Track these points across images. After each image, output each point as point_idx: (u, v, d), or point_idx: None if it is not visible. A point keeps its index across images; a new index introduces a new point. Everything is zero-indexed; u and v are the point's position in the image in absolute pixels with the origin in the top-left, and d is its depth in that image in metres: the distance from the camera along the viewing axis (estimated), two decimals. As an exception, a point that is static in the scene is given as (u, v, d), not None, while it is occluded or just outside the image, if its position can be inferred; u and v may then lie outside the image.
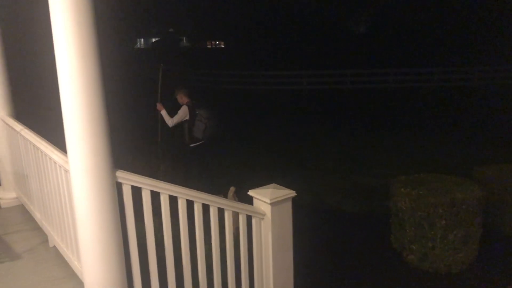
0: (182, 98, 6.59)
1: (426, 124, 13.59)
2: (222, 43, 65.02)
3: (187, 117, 6.45)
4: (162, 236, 2.90)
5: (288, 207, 3.41)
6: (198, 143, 6.47)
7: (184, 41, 70.60)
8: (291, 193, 3.38)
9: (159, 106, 6.56)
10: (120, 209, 2.70)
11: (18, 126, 3.95)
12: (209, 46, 66.75)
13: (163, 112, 6.52)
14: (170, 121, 6.47)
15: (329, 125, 13.72)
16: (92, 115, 2.42)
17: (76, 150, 2.46)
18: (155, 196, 2.83)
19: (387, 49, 35.53)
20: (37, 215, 3.96)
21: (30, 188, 4.01)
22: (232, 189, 5.54)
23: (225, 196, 6.18)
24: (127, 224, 2.76)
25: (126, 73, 27.02)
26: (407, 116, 15.12)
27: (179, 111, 6.48)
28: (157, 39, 67.55)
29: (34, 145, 3.52)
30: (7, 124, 4.32)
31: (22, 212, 4.39)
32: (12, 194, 4.61)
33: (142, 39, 72.78)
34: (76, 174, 2.52)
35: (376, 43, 39.49)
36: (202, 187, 4.22)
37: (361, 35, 46.20)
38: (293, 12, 43.12)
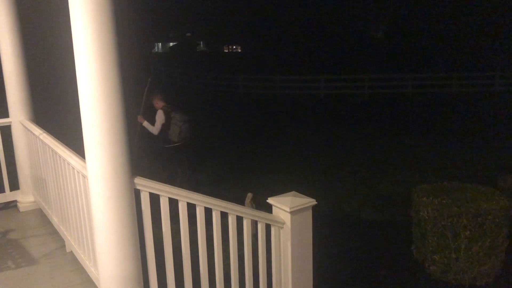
0: (157, 103, 6.85)
1: (445, 130, 13.35)
2: (239, 47, 65.19)
3: (163, 121, 6.69)
4: (180, 242, 2.85)
5: (308, 216, 3.32)
6: (173, 145, 6.68)
7: (201, 45, 71.00)
8: (311, 201, 3.29)
9: (139, 118, 6.81)
10: (138, 215, 2.66)
11: (37, 130, 3.95)
12: (226, 51, 66.99)
13: (145, 123, 6.77)
14: (154, 129, 6.72)
15: (347, 130, 13.57)
16: (111, 122, 2.39)
17: (95, 156, 2.43)
18: (172, 200, 2.78)
19: (405, 54, 35.17)
20: (55, 220, 3.94)
21: (48, 192, 4.00)
22: (249, 195, 5.47)
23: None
24: (144, 231, 2.72)
25: (143, 76, 27.24)
26: (426, 121, 14.88)
27: (156, 117, 6.74)
28: (174, 43, 68.07)
29: (52, 150, 3.51)
30: (26, 128, 4.33)
31: (40, 216, 4.39)
32: (30, 198, 4.61)
33: (160, 44, 73.42)
34: (94, 181, 2.48)
35: (394, 48, 39.12)
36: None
37: (379, 40, 45.86)
38: (310, 16, 43.03)
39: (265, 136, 12.84)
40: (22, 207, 4.58)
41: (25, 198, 4.62)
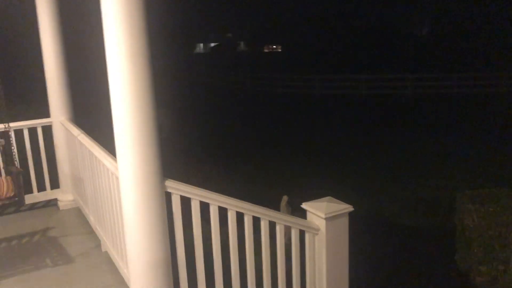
0: None
1: (493, 132, 12.72)
2: (280, 47, 65.04)
3: None
4: (211, 245, 2.81)
5: (344, 222, 3.20)
6: None
7: (242, 45, 71.36)
8: (348, 207, 3.16)
9: None
10: (169, 217, 2.63)
11: (75, 131, 4.01)
12: (267, 50, 66.99)
13: None
14: None
15: (388, 131, 13.20)
16: (142, 124, 2.36)
17: (125, 158, 2.41)
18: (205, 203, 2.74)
19: (451, 53, 33.99)
20: (91, 219, 3.99)
21: (86, 191, 4.06)
22: (285, 198, 5.37)
23: None
24: (175, 234, 2.68)
25: (184, 77, 27.68)
26: (473, 123, 14.25)
27: None
28: (215, 44, 68.79)
29: (89, 150, 3.55)
30: (66, 128, 4.42)
31: (78, 215, 4.47)
32: (70, 197, 4.70)
33: (202, 44, 74.36)
34: (125, 183, 2.46)
35: (439, 46, 37.89)
36: None
37: (423, 38, 44.57)
38: (352, 15, 42.35)
39: (303, 138, 12.69)
40: (62, 205, 4.68)
41: (65, 196, 4.72)
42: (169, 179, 2.58)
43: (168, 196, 2.61)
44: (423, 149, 10.82)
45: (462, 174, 8.63)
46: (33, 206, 4.74)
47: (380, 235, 6.09)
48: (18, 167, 3.68)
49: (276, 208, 5.42)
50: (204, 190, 2.72)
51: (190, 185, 2.68)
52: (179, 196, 2.64)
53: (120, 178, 2.49)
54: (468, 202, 4.64)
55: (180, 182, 2.63)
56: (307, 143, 11.96)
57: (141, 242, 2.52)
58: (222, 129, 13.80)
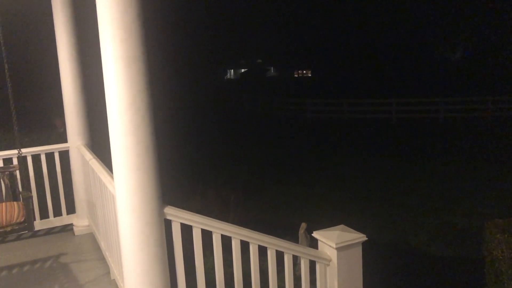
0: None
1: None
2: (309, 72, 65.20)
3: None
4: (215, 275, 2.69)
5: (357, 253, 3.03)
6: None
7: (272, 71, 71.92)
8: (361, 237, 3.00)
9: None
10: (170, 247, 2.54)
11: (88, 156, 4.02)
12: (296, 75, 67.22)
13: None
14: None
15: (419, 156, 12.81)
16: (138, 148, 2.29)
17: (122, 184, 2.35)
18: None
19: (486, 76, 33.18)
20: (102, 245, 3.95)
21: (97, 217, 4.03)
22: (303, 225, 5.19)
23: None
24: (176, 265, 2.59)
25: (213, 103, 28.00)
26: (508, 148, 13.67)
27: None
28: (245, 69, 69.62)
29: (98, 175, 3.53)
30: (81, 153, 4.44)
31: (92, 241, 4.44)
32: (85, 222, 4.69)
33: (232, 70, 75.46)
34: (121, 208, 2.40)
35: (473, 69, 37.11)
36: None
37: (456, 61, 43.80)
38: (382, 38, 42.13)
39: (329, 163, 12.45)
40: (77, 230, 4.67)
41: (80, 222, 4.71)
42: (169, 206, 2.50)
43: (168, 224, 2.53)
44: (455, 174, 10.41)
45: (496, 202, 8.20)
46: (49, 231, 4.74)
47: (406, 264, 5.80)
48: (30, 192, 3.69)
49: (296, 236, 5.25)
50: (206, 217, 2.63)
51: (191, 212, 2.59)
52: (179, 224, 2.56)
53: (117, 206, 2.43)
54: (497, 231, 4.34)
55: (181, 209, 2.55)
56: (333, 168, 11.73)
57: (138, 273, 2.43)
58: (247, 154, 13.76)
